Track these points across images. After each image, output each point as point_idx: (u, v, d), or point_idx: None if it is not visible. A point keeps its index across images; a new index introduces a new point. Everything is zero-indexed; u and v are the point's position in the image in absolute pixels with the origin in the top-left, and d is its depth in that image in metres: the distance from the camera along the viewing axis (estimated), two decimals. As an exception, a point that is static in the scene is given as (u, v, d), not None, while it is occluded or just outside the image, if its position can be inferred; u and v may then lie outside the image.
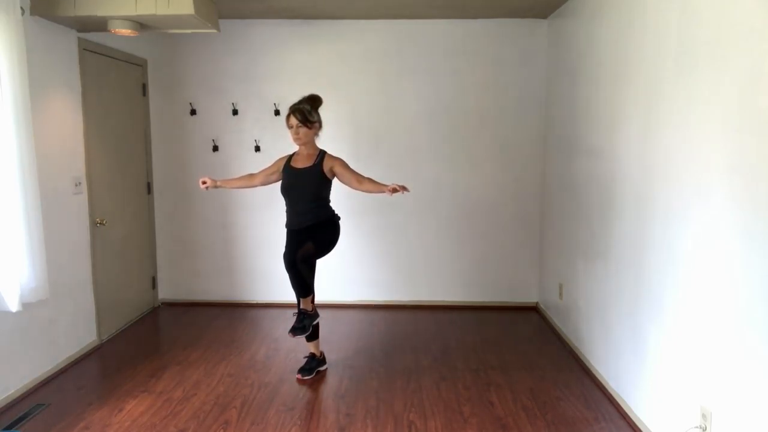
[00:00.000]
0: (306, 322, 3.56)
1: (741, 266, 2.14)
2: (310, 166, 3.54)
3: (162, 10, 3.52)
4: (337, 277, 5.20)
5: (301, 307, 3.59)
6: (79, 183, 4.00)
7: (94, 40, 4.16)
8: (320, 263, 5.23)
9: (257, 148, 5.13)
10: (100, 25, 3.75)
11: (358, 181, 3.51)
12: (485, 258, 5.20)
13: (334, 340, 4.37)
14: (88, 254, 4.12)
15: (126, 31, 3.73)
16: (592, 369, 3.70)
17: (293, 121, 3.49)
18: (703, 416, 2.38)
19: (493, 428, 3.04)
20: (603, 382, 3.50)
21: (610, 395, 3.37)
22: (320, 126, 3.61)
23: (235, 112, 5.11)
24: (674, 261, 2.64)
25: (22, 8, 3.22)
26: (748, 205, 2.09)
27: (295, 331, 3.53)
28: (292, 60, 5.03)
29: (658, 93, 2.79)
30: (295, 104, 3.55)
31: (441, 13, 4.75)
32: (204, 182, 3.67)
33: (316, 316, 3.66)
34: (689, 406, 2.50)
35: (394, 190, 3.31)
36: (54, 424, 3.07)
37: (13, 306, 3.14)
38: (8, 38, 3.04)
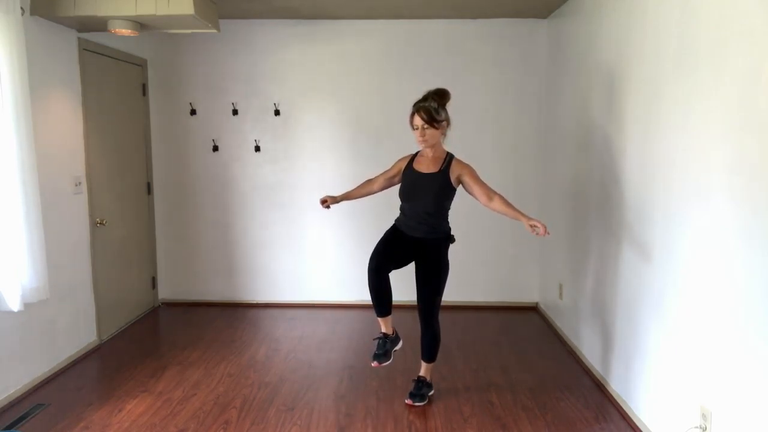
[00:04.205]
0: (389, 347, 3.29)
1: (741, 266, 2.14)
2: (436, 173, 3.17)
3: (162, 10, 3.52)
4: (337, 277, 5.20)
5: (383, 330, 3.33)
6: (79, 183, 4.00)
7: (94, 40, 4.16)
8: (320, 263, 5.27)
9: (257, 148, 5.13)
10: (100, 25, 3.75)
11: (488, 197, 3.10)
12: (485, 258, 5.20)
13: (334, 340, 4.37)
14: (88, 254, 4.12)
15: (126, 31, 3.73)
16: (592, 369, 3.70)
17: (418, 120, 3.09)
18: (703, 416, 2.38)
19: (493, 428, 3.04)
20: (603, 382, 3.50)
21: (610, 395, 3.37)
22: (448, 124, 3.19)
23: (235, 112, 5.11)
24: (674, 261, 2.64)
25: (22, 8, 3.22)
26: (748, 205, 2.09)
27: (378, 358, 3.27)
28: (292, 60, 5.03)
29: (658, 93, 2.79)
30: (419, 101, 3.13)
31: (441, 13, 4.76)
32: (324, 201, 3.41)
33: (398, 339, 3.39)
34: (689, 406, 2.50)
35: (535, 227, 2.90)
36: (54, 424, 3.07)
37: (14, 306, 3.14)
38: (8, 38, 3.05)
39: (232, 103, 5.10)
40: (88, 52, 4.11)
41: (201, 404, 3.32)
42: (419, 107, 3.11)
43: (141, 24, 3.76)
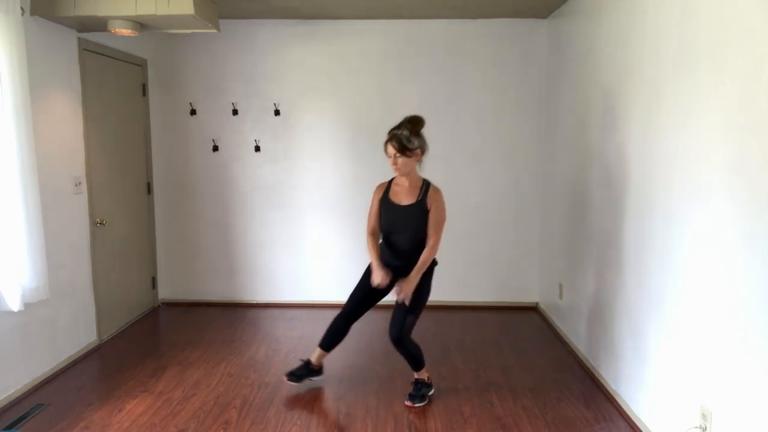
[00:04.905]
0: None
1: (741, 266, 2.14)
2: (414, 204, 3.20)
3: (162, 10, 3.52)
4: (337, 277, 5.20)
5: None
6: (79, 183, 4.00)
7: (94, 40, 4.16)
8: (320, 263, 5.27)
9: (257, 148, 5.13)
10: (100, 25, 3.75)
11: (428, 241, 3.20)
12: (485, 258, 5.20)
13: (334, 340, 4.37)
14: (88, 254, 4.11)
15: (126, 31, 3.73)
16: (592, 369, 3.70)
17: (391, 149, 3.13)
18: (703, 416, 2.38)
19: (493, 428, 3.04)
20: (603, 382, 3.50)
21: (610, 395, 3.37)
22: (423, 152, 3.20)
23: (235, 112, 5.11)
24: (674, 261, 2.64)
25: (22, 8, 3.22)
26: (748, 205, 2.09)
27: (290, 377, 3.47)
28: (292, 60, 5.03)
29: (658, 93, 2.79)
30: (393, 129, 3.17)
31: (441, 13, 4.75)
32: (383, 280, 3.25)
33: (320, 373, 3.56)
34: (689, 406, 2.50)
35: (399, 292, 3.16)
36: (54, 424, 3.07)
37: (14, 306, 3.15)
38: (8, 38, 3.05)
39: (232, 103, 5.10)
40: (88, 52, 4.11)
41: (201, 404, 3.32)
42: (391, 135, 3.14)
43: (141, 24, 3.76)
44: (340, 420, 3.15)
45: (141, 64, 4.93)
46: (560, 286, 4.47)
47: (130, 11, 3.52)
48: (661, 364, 2.78)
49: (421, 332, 4.53)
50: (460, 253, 5.20)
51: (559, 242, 4.54)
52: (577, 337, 4.06)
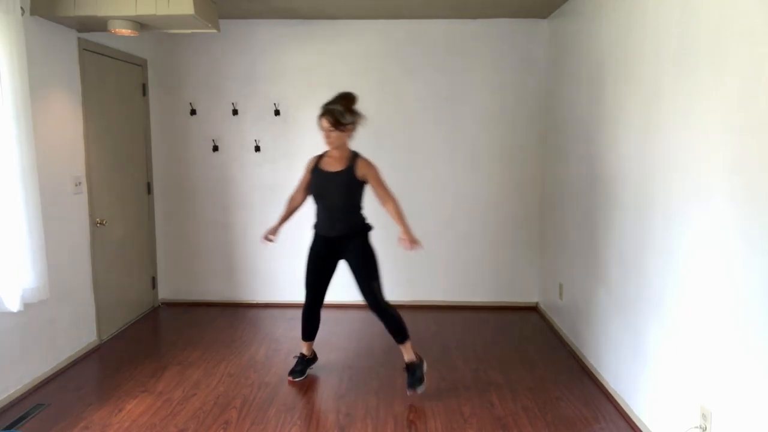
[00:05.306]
0: (305, 366, 3.59)
1: (741, 266, 2.14)
2: (341, 171, 3.35)
3: (162, 11, 3.52)
4: (337, 277, 5.19)
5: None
6: (79, 183, 4.00)
7: (94, 40, 4.16)
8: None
9: (257, 148, 5.13)
10: (100, 25, 3.75)
11: (382, 199, 3.36)
12: (485, 258, 5.20)
13: (334, 340, 4.37)
14: (88, 254, 4.11)
15: (126, 31, 3.73)
16: (592, 369, 3.70)
17: (324, 124, 3.29)
18: (703, 416, 2.38)
19: (493, 428, 3.04)
20: (603, 382, 3.50)
21: (610, 395, 3.37)
22: (355, 127, 3.37)
23: (235, 112, 5.11)
24: (674, 261, 2.64)
25: (22, 8, 3.22)
26: (748, 205, 2.09)
27: (294, 374, 3.60)
28: (292, 60, 5.03)
29: (658, 93, 2.79)
30: (326, 104, 3.33)
31: (441, 13, 4.75)
32: (269, 239, 3.57)
33: (314, 360, 3.71)
34: (689, 406, 2.50)
35: (402, 240, 3.27)
36: (54, 424, 3.07)
37: (14, 306, 3.14)
38: (8, 38, 3.05)
39: (232, 103, 5.10)
40: (88, 52, 4.11)
41: (201, 404, 3.32)
42: (325, 110, 3.29)
43: (141, 24, 3.76)
44: (340, 420, 3.15)
45: (141, 64, 4.93)
46: (560, 286, 4.47)
47: (130, 11, 3.52)
48: (661, 364, 2.78)
49: (421, 332, 4.55)
50: (460, 253, 5.20)
51: (559, 242, 4.54)
52: (577, 337, 4.06)
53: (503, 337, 4.44)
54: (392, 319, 3.45)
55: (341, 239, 3.41)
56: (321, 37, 5.00)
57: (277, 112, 5.08)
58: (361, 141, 5.09)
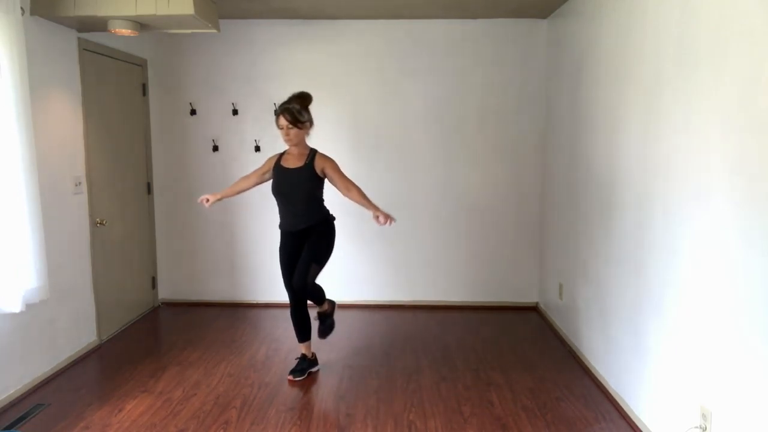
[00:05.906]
0: (305, 366, 3.71)
1: (741, 266, 2.14)
2: (301, 167, 3.48)
3: (162, 10, 3.52)
4: (338, 277, 5.19)
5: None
6: (79, 183, 4.00)
7: (94, 40, 4.16)
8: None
9: (257, 148, 5.13)
10: (100, 25, 3.75)
11: (346, 188, 3.48)
12: (485, 258, 5.20)
13: (334, 340, 4.36)
14: (88, 254, 4.11)
15: (126, 31, 3.73)
16: (592, 369, 3.70)
17: (283, 122, 3.42)
18: (703, 416, 2.38)
19: (493, 428, 3.04)
20: (603, 382, 3.50)
21: (610, 395, 3.37)
22: (311, 125, 3.54)
23: (235, 112, 5.11)
24: (674, 261, 2.64)
25: (22, 8, 3.22)
26: (748, 206, 2.09)
27: (294, 374, 3.66)
28: (292, 60, 5.03)
29: (658, 93, 2.79)
30: (283, 103, 3.48)
31: (441, 13, 4.75)
32: (207, 200, 3.63)
33: (315, 363, 3.80)
34: (689, 406, 2.50)
35: (377, 217, 3.36)
36: (54, 424, 3.07)
37: (15, 307, 3.14)
38: (8, 38, 3.04)
39: (232, 103, 5.10)
40: (88, 52, 4.11)
41: (201, 404, 3.32)
42: (284, 109, 3.42)
43: (141, 24, 3.76)
44: (340, 420, 3.15)
45: (141, 64, 4.93)
46: (560, 286, 4.47)
47: (130, 11, 3.52)
48: (661, 364, 2.78)
49: (421, 332, 4.55)
50: (460, 253, 5.20)
51: (559, 242, 4.54)
52: (577, 337, 4.06)
53: (503, 337, 4.44)
54: (312, 295, 3.65)
55: (307, 231, 3.53)
56: (321, 37, 5.00)
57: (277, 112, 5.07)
58: (360, 141, 5.12)
